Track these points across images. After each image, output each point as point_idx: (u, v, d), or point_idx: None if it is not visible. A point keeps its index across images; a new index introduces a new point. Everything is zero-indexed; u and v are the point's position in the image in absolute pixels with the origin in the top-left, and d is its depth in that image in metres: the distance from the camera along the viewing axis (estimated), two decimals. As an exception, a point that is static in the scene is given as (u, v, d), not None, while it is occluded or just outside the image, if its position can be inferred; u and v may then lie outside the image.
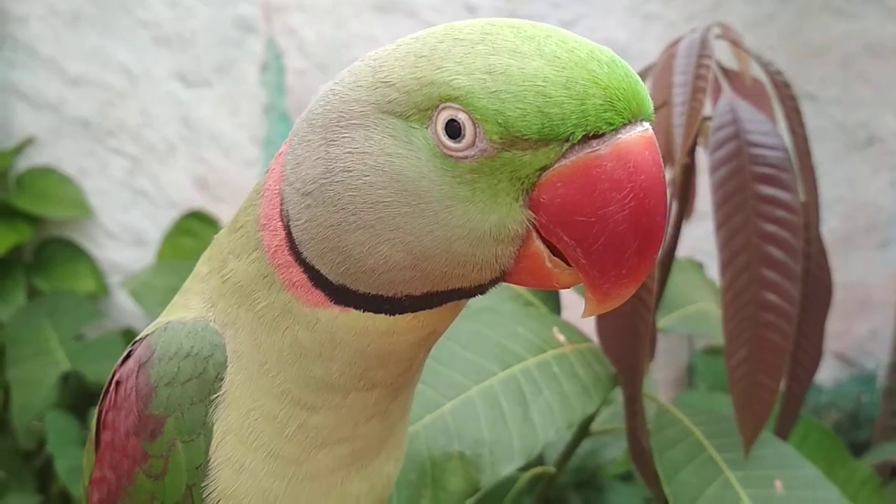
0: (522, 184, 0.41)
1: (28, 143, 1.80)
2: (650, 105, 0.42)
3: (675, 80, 0.68)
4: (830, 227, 1.84)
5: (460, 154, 0.40)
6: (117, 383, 0.54)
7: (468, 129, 0.40)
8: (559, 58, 0.40)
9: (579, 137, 0.39)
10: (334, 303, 0.46)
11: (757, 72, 0.77)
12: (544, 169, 0.40)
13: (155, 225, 1.84)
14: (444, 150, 0.41)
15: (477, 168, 0.40)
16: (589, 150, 0.40)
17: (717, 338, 0.80)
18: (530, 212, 0.41)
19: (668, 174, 0.74)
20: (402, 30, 1.70)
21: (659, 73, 0.73)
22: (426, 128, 0.41)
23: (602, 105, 0.39)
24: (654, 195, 0.40)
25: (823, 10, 1.74)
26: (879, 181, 1.85)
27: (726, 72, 0.76)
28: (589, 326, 0.81)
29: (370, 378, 0.49)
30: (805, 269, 0.71)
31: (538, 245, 0.42)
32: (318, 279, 0.46)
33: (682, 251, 1.20)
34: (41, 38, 1.77)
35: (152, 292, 1.66)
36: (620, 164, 0.39)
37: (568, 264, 0.42)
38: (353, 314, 0.46)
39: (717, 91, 0.73)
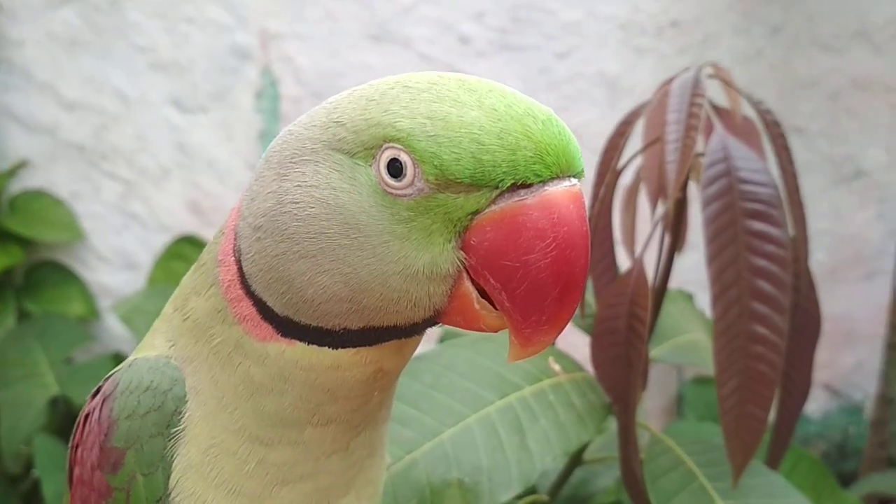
0: (455, 226, 0.43)
1: (21, 165, 1.81)
2: (580, 163, 0.44)
3: (668, 118, 0.69)
4: (817, 259, 1.86)
5: (399, 192, 0.43)
6: (85, 417, 0.56)
7: (409, 169, 0.42)
8: (496, 110, 0.42)
9: (508, 185, 0.42)
10: (281, 335, 0.48)
11: (747, 109, 0.79)
12: (476, 213, 0.42)
13: (147, 249, 1.84)
14: (384, 188, 0.43)
15: (414, 206, 0.42)
16: (517, 198, 0.42)
17: (708, 367, 0.81)
18: (462, 253, 0.43)
19: (661, 208, 0.76)
20: (396, 60, 1.72)
21: (653, 110, 0.75)
22: (370, 165, 0.43)
23: (532, 157, 0.42)
24: (576, 247, 0.42)
25: (811, 45, 1.78)
26: (866, 214, 1.87)
27: (718, 110, 0.78)
28: (584, 356, 0.82)
29: (324, 413, 0.49)
30: (794, 302, 0.73)
31: (468, 286, 0.44)
32: (265, 312, 0.48)
33: (673, 282, 1.21)
34: (37, 61, 1.78)
35: (143, 316, 1.66)
36: (545, 214, 0.42)
37: (495, 307, 0.44)
38: (299, 347, 0.47)
39: (709, 128, 0.75)
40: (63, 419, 1.69)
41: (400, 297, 0.44)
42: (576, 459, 0.87)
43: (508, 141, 0.41)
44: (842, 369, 1.93)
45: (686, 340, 0.95)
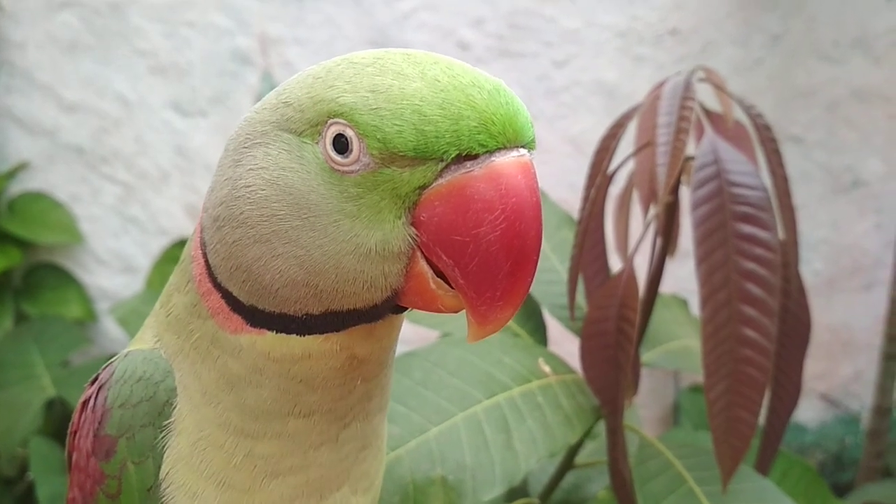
0: (404, 202, 0.42)
1: (21, 167, 1.81)
2: (530, 133, 0.43)
3: (659, 121, 0.70)
4: (815, 269, 1.86)
5: (346, 168, 0.42)
6: (83, 404, 0.56)
7: (354, 144, 0.42)
8: (439, 81, 0.41)
9: (452, 156, 0.41)
10: (251, 326, 0.47)
11: (739, 115, 0.79)
12: (424, 188, 0.42)
13: (145, 252, 1.85)
14: (331, 164, 0.42)
15: (361, 182, 0.42)
16: (464, 170, 0.41)
17: (701, 373, 0.80)
18: (413, 230, 0.42)
19: (653, 211, 0.76)
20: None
21: (645, 114, 0.75)
22: (316, 143, 0.43)
23: (476, 127, 0.41)
24: (526, 218, 0.41)
25: (810, 56, 1.78)
26: (864, 224, 1.87)
27: (709, 114, 0.79)
28: (574, 359, 0.82)
29: (304, 404, 0.49)
30: (784, 306, 0.73)
31: (422, 265, 0.43)
32: (233, 304, 0.48)
33: (669, 289, 1.21)
34: (39, 64, 1.79)
35: (140, 319, 1.64)
36: (492, 185, 0.41)
37: (451, 286, 0.43)
38: (269, 336, 0.47)
39: (701, 132, 0.75)
40: (59, 422, 1.69)
41: (355, 277, 0.43)
42: (567, 463, 0.86)
43: (451, 111, 0.41)
44: (839, 379, 1.93)
45: (679, 346, 0.95)
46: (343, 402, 0.50)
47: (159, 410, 0.51)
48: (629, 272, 0.72)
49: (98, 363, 1.68)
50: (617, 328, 0.70)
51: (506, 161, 0.41)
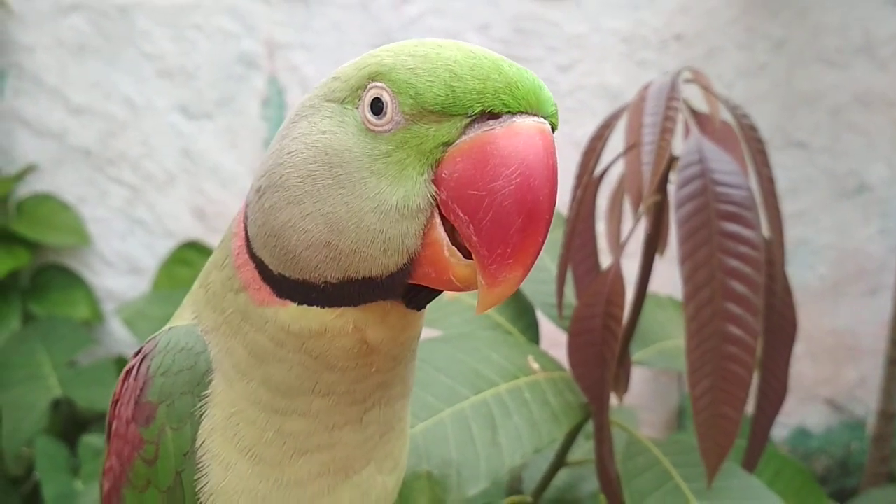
0: (427, 158, 0.45)
1: (29, 170, 1.83)
2: (552, 107, 0.46)
3: (644, 121, 0.70)
4: (820, 273, 1.86)
5: (380, 128, 0.46)
6: (126, 374, 0.59)
7: (389, 107, 0.46)
8: (473, 52, 0.46)
9: (477, 111, 0.44)
10: (277, 296, 0.50)
11: (728, 117, 0.79)
12: (448, 144, 0.45)
13: (151, 254, 1.86)
14: (367, 125, 0.46)
15: (391, 140, 0.46)
16: (486, 128, 0.44)
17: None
18: (434, 188, 0.45)
19: (641, 210, 0.76)
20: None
21: (631, 114, 0.76)
22: (356, 108, 0.47)
23: (501, 88, 0.44)
24: (540, 176, 0.44)
25: (815, 61, 1.78)
26: (869, 229, 1.86)
27: (696, 114, 0.79)
28: (565, 357, 0.83)
29: (324, 383, 0.51)
30: (769, 304, 0.73)
31: (439, 232, 0.45)
32: (265, 274, 0.51)
33: (665, 291, 1.22)
34: (47, 67, 1.81)
35: (146, 321, 1.68)
36: (511, 142, 0.44)
37: (465, 257, 0.45)
38: (290, 308, 0.50)
39: (689, 133, 0.76)
40: (65, 422, 1.71)
41: (374, 237, 0.45)
42: (560, 461, 0.87)
43: (480, 73, 0.44)
44: (844, 384, 1.92)
45: (673, 345, 0.96)
46: (360, 385, 0.53)
47: (198, 380, 0.54)
48: (616, 270, 0.72)
49: (104, 364, 1.71)
50: (603, 325, 0.71)
51: (525, 122, 0.45)
